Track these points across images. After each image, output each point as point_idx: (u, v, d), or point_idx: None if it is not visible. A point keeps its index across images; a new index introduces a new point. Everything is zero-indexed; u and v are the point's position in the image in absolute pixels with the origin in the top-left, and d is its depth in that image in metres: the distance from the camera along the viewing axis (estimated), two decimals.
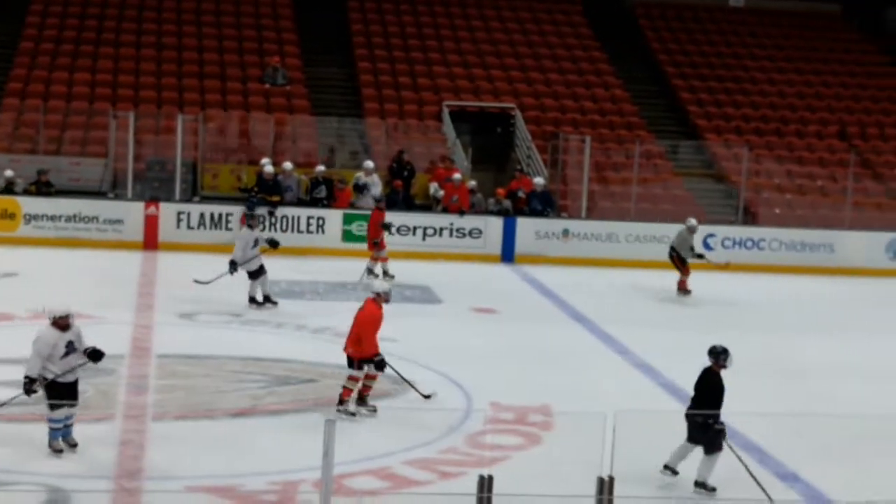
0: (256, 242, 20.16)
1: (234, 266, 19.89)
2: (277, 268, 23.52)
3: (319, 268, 24.03)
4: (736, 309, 22.62)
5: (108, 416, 13.67)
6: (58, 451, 12.00)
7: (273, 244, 20.60)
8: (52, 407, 11.93)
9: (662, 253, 26.47)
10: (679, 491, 10.83)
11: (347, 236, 25.87)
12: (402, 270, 23.99)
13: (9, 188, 25.34)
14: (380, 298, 14.35)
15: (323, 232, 25.82)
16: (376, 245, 23.00)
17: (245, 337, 17.96)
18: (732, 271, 26.16)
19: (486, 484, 6.29)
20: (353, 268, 23.90)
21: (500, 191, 27.44)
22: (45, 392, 12.00)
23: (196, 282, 20.51)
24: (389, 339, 17.84)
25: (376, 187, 26.55)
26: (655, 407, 14.82)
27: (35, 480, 11.33)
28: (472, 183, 27.35)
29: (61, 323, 12.11)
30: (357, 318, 14.21)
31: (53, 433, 12.09)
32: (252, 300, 20.01)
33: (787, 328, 20.87)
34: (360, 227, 25.81)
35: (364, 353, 14.00)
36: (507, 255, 26.36)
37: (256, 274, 20.01)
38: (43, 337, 12.05)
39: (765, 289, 24.85)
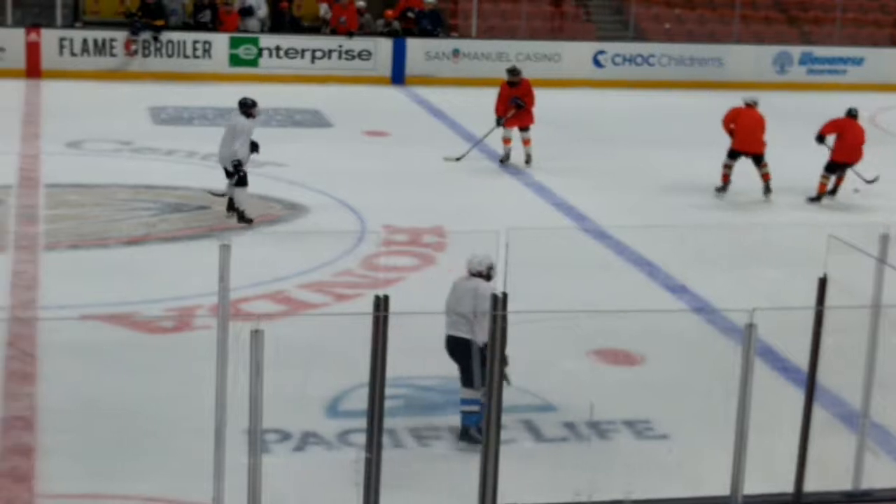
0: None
1: (239, 166, 14.93)
2: (165, 93, 23.26)
3: (207, 93, 23.68)
4: (626, 126, 22.79)
5: None
6: None
7: (255, 147, 15.31)
8: None
9: (553, 71, 26.56)
10: (576, 305, 11.10)
11: (234, 60, 25.45)
12: (292, 94, 23.80)
13: None
14: None
15: (210, 56, 25.37)
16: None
17: (135, 165, 17.78)
18: (623, 88, 26.42)
19: (381, 303, 6.39)
20: (240, 92, 23.61)
21: (389, 12, 27.11)
22: None
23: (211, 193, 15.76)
24: (278, 163, 17.88)
25: (262, 10, 26.08)
26: (548, 224, 15.06)
27: None
28: (361, 3, 26.96)
29: None
30: None
31: None
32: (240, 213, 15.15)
33: (674, 143, 21.12)
34: (247, 51, 25.42)
35: None
36: (398, 76, 26.18)
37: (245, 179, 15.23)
38: None
39: (654, 105, 25.08)
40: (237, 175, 14.77)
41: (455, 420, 9.25)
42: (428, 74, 26.27)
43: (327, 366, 9.94)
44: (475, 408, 8.90)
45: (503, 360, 6.89)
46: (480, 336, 8.69)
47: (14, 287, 12.22)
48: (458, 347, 9.05)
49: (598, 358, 10.84)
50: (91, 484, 8.32)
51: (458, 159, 18.85)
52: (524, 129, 18.84)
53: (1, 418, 9.23)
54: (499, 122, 18.77)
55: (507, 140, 18.91)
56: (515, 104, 18.60)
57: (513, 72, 19.21)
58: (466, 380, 9.04)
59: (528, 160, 18.73)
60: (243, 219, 14.86)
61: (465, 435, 9.08)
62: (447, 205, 16.09)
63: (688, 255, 13.74)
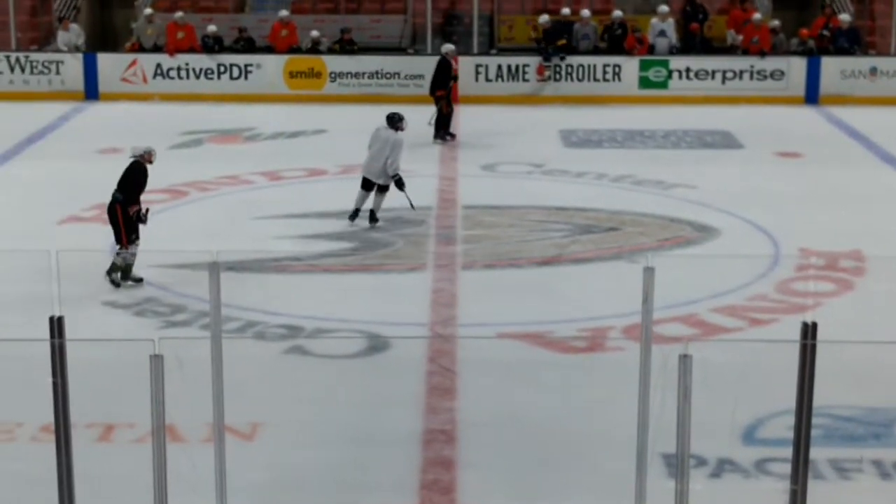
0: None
1: (401, 179, 15.71)
2: (576, 117, 23.61)
3: (617, 116, 23.88)
4: None
5: (419, 265, 14.16)
6: None
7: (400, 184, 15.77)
8: None
9: None
10: None
11: (644, 83, 25.53)
12: (702, 116, 23.63)
13: (314, 48, 26.14)
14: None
15: (619, 80, 25.56)
16: None
17: (547, 187, 18.13)
18: None
19: (810, 331, 6.21)
20: (650, 115, 23.75)
21: (804, 31, 26.42)
22: None
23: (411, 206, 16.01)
24: (689, 185, 17.78)
25: (671, 31, 26.03)
26: None
27: (353, 328, 11.88)
28: (775, 23, 26.44)
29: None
30: None
31: None
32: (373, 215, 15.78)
33: None
34: (657, 73, 25.45)
35: None
36: (811, 96, 25.47)
37: (386, 188, 15.87)
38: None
39: None
40: (399, 187, 15.58)
41: (879, 453, 8.87)
42: (843, 93, 25.42)
43: (744, 392, 9.76)
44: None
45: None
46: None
47: (434, 304, 12.71)
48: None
49: None
50: (510, 498, 8.53)
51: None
52: None
53: (423, 431, 9.60)
54: None
55: None
56: None
57: None
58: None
59: None
60: (374, 219, 15.60)
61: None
62: (865, 228, 15.49)
63: None
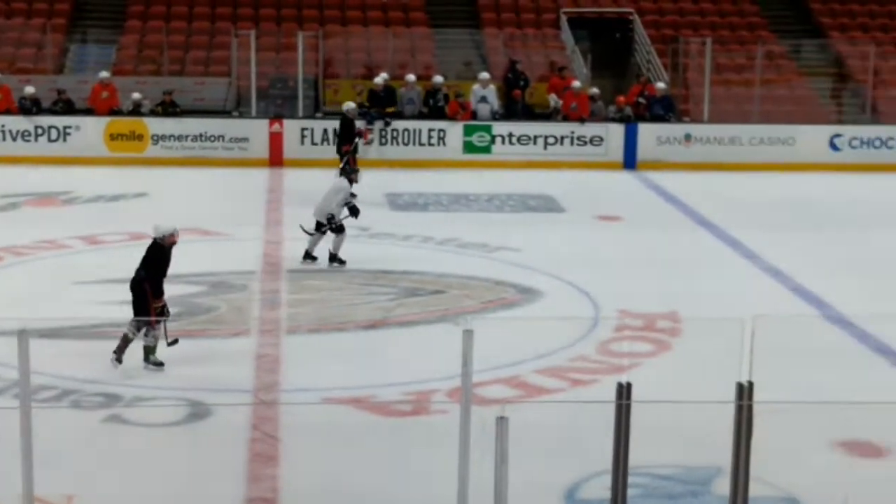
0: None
1: (332, 219, 16.88)
2: (402, 180, 23.76)
3: (442, 180, 24.12)
4: (866, 210, 22.19)
5: (243, 331, 13.99)
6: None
7: (355, 212, 17.15)
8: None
9: (787, 155, 26.17)
10: (820, 394, 10.79)
11: (468, 147, 25.87)
12: (525, 180, 24.03)
13: (136, 110, 25.82)
14: None
15: (444, 144, 25.86)
16: None
17: (373, 250, 18.15)
18: (861, 172, 25.76)
19: (624, 391, 6.33)
20: (474, 178, 24.06)
21: (621, 98, 27.15)
22: None
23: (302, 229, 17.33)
24: (512, 248, 18.03)
25: (492, 97, 26.46)
26: (784, 311, 14.71)
27: (174, 395, 11.66)
28: (594, 90, 27.12)
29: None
30: None
31: None
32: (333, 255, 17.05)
33: None
34: (480, 138, 25.83)
35: None
36: (629, 161, 26.16)
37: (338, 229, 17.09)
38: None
39: (892, 188, 24.36)
40: (330, 227, 16.76)
41: None
42: (659, 159, 26.16)
43: (565, 453, 9.87)
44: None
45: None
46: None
47: (258, 370, 12.56)
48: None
49: (845, 449, 10.46)
50: None
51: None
52: None
53: (245, 499, 9.45)
54: None
55: None
56: None
57: None
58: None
59: None
60: (335, 259, 16.83)
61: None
62: (682, 289, 15.89)
63: None
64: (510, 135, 25.96)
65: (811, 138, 26.67)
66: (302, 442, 10.57)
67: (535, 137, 26.07)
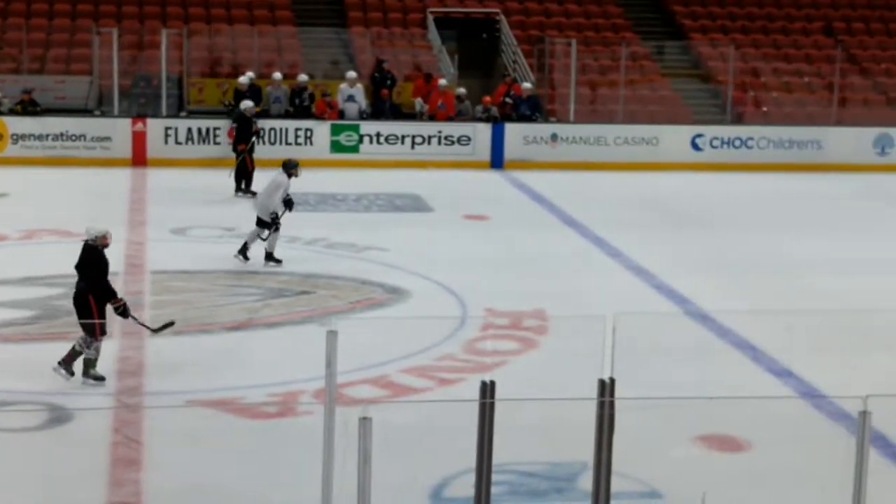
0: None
1: (276, 218, 16.95)
2: (267, 179, 23.52)
3: (309, 179, 23.87)
4: (726, 209, 22.68)
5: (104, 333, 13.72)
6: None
7: (290, 205, 17.30)
8: None
9: (650, 155, 26.62)
10: (681, 390, 10.96)
11: (336, 147, 25.80)
12: (392, 180, 24.04)
13: None
14: None
15: (311, 143, 25.75)
16: None
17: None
18: (722, 171, 26.31)
19: (488, 389, 6.36)
20: (341, 178, 23.98)
21: (488, 98, 27.31)
22: None
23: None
24: (380, 248, 18.03)
25: (360, 96, 26.42)
26: (648, 309, 14.94)
27: (35, 399, 11.41)
28: (461, 90, 27.24)
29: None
30: None
31: None
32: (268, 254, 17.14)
33: (775, 226, 20.95)
34: (348, 138, 25.77)
35: None
36: (497, 161, 26.33)
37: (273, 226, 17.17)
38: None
39: (754, 188, 24.92)
40: (274, 225, 16.77)
41: None
42: (526, 159, 26.37)
43: (431, 452, 9.89)
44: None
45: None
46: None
47: (120, 373, 12.35)
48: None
49: (705, 444, 10.66)
50: None
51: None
52: None
53: None
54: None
55: None
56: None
57: None
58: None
59: None
60: (272, 258, 16.82)
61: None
62: (548, 288, 16.04)
63: (793, 340, 13.53)
64: (378, 134, 25.95)
65: (674, 138, 27.17)
66: (166, 445, 10.41)
67: (403, 137, 26.10)
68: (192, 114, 26.65)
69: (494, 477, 7.02)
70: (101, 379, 11.88)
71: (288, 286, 15.98)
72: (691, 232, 20.35)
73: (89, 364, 11.88)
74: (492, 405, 6.41)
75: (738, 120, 28.83)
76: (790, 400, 11.91)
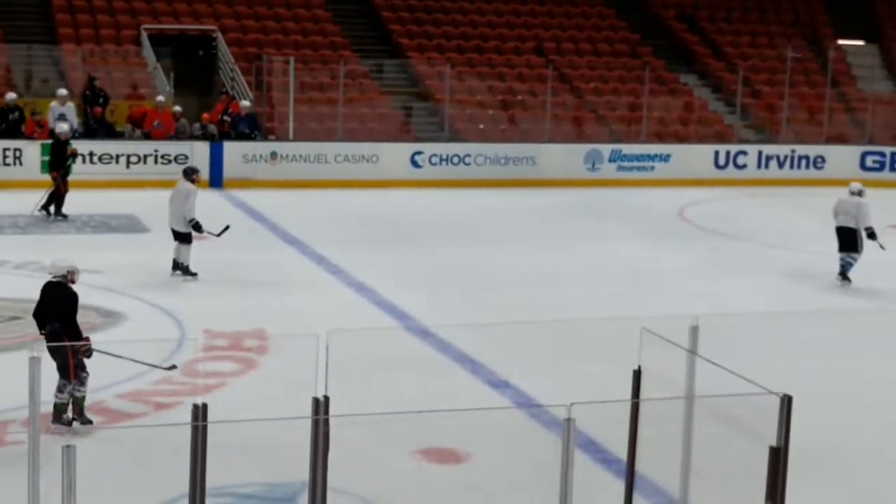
0: None
1: (198, 225, 17.57)
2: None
3: (19, 200, 23.12)
4: (446, 225, 23.08)
5: None
6: None
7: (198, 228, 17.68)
8: None
9: (371, 172, 26.83)
10: (400, 405, 11.06)
11: (46, 166, 24.94)
12: (107, 200, 23.45)
13: None
14: None
15: (21, 164, 24.87)
16: None
17: None
18: (441, 187, 26.79)
19: (200, 412, 6.27)
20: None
21: (206, 115, 27.00)
22: None
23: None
24: (95, 270, 17.52)
25: (71, 114, 25.70)
26: (370, 325, 15.04)
27: None
28: (177, 108, 26.83)
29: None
30: None
31: None
32: (184, 268, 17.61)
33: (492, 241, 21.46)
34: None
35: None
36: (216, 180, 26.04)
37: (187, 238, 17.71)
38: None
39: (472, 204, 25.45)
40: (198, 230, 17.41)
41: None
42: (246, 177, 26.19)
43: (147, 478, 9.66)
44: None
45: None
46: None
47: None
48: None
49: (423, 457, 10.79)
50: None
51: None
52: None
53: None
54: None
55: None
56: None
57: None
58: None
59: None
60: (188, 272, 17.30)
61: None
62: (269, 307, 15.95)
63: (510, 352, 13.87)
64: (91, 154, 25.27)
65: (395, 156, 27.52)
66: None
67: (118, 156, 25.53)
68: None
69: (212, 500, 6.92)
70: (69, 424, 11.07)
71: None
72: (412, 248, 20.63)
73: (60, 409, 11.11)
74: (204, 428, 6.31)
75: (456, 137, 29.40)
76: (507, 410, 12.19)
